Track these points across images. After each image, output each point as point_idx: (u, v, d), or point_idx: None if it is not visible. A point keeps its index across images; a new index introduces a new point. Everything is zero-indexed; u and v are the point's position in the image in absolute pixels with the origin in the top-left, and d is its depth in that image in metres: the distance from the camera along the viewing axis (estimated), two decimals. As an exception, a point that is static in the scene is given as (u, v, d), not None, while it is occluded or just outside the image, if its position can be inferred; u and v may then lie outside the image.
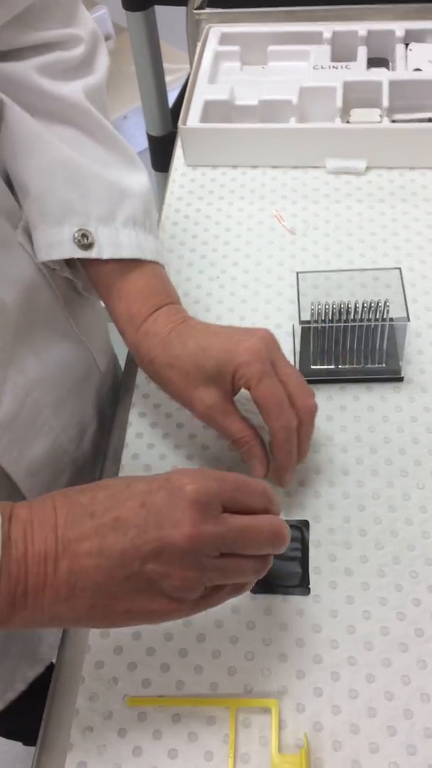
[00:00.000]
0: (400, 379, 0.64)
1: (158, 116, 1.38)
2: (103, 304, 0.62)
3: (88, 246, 0.56)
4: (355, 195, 0.81)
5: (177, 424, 0.63)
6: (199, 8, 1.01)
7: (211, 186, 0.84)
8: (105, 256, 0.56)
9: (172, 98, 1.48)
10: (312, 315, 0.62)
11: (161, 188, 1.08)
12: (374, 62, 0.91)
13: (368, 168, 0.83)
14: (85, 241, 0.55)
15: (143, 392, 0.66)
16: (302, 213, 0.80)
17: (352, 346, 0.64)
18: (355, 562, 0.54)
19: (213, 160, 0.86)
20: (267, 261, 0.75)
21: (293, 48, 0.92)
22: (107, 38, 2.52)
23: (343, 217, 0.79)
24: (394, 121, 0.85)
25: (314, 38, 0.93)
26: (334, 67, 0.89)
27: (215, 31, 0.96)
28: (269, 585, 0.53)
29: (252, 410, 0.54)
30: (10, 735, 1.02)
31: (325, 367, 0.64)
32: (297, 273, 0.64)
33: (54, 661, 0.57)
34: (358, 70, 0.88)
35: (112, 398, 0.72)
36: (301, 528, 0.56)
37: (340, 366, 0.64)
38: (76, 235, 0.55)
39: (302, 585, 0.53)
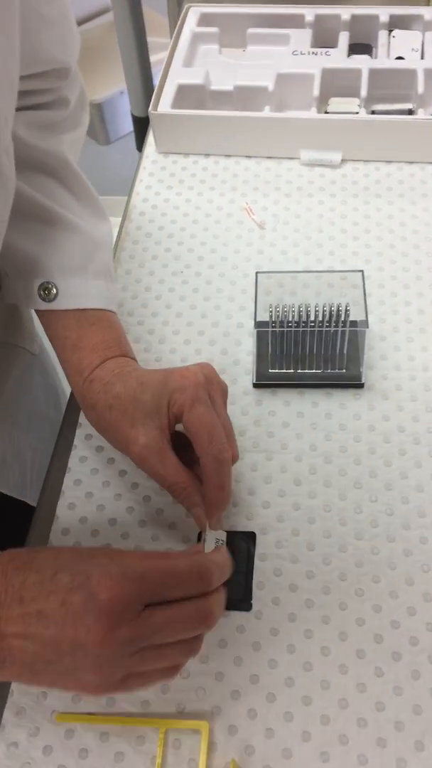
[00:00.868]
0: (361, 386, 0.62)
1: (142, 96, 1.34)
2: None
3: (52, 298, 0.56)
4: (328, 189, 0.78)
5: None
6: (179, -14, 0.97)
7: (182, 175, 0.81)
8: (71, 306, 0.56)
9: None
10: (270, 317, 0.60)
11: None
12: (357, 48, 0.88)
13: (344, 160, 0.80)
14: (47, 294, 0.56)
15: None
16: (273, 206, 0.77)
17: (311, 350, 0.62)
18: (301, 577, 0.53)
19: (185, 148, 0.83)
20: (233, 257, 0.73)
21: (273, 31, 0.89)
22: (104, 12, 2.46)
23: (315, 212, 0.76)
24: (373, 112, 0.82)
25: (296, 21, 0.89)
26: (314, 53, 0.85)
27: (195, 11, 0.92)
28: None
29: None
30: None
31: (283, 371, 0.62)
32: (256, 273, 0.61)
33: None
34: (338, 57, 0.84)
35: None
36: (247, 541, 0.54)
37: (299, 370, 0.62)
38: (39, 288, 0.57)
39: (245, 600, 0.52)
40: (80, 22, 2.31)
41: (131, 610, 0.39)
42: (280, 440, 0.59)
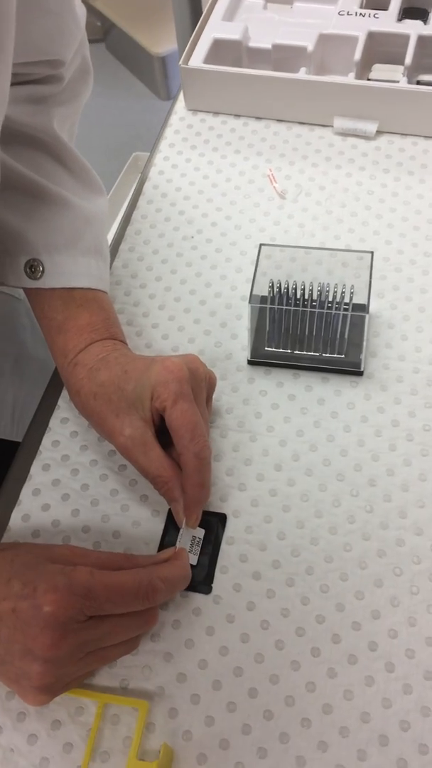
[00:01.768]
0: (360, 374, 0.59)
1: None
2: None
3: (38, 276, 0.55)
4: (358, 161, 0.74)
5: (98, 437, 0.57)
6: None
7: (208, 134, 0.78)
8: (57, 285, 0.55)
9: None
10: (270, 292, 0.57)
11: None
12: (411, 13, 0.82)
13: (379, 132, 0.76)
14: (33, 271, 0.55)
15: (62, 416, 0.59)
16: (298, 175, 0.73)
17: (311, 331, 0.59)
18: (266, 566, 0.51)
19: (214, 106, 0.80)
20: (247, 225, 0.70)
21: (323, -13, 0.83)
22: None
23: (340, 185, 0.72)
24: (418, 83, 0.77)
25: (349, -22, 0.84)
26: (361, 14, 0.80)
27: (244, -38, 0.87)
28: (169, 578, 0.50)
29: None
30: None
31: (279, 350, 0.59)
32: (260, 245, 0.58)
33: None
34: (387, 21, 0.79)
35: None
36: (217, 522, 0.52)
37: (296, 351, 0.59)
38: (25, 265, 0.55)
39: (205, 583, 0.50)
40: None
41: (75, 621, 0.41)
42: (267, 422, 0.57)
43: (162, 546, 0.52)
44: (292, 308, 0.56)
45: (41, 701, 0.42)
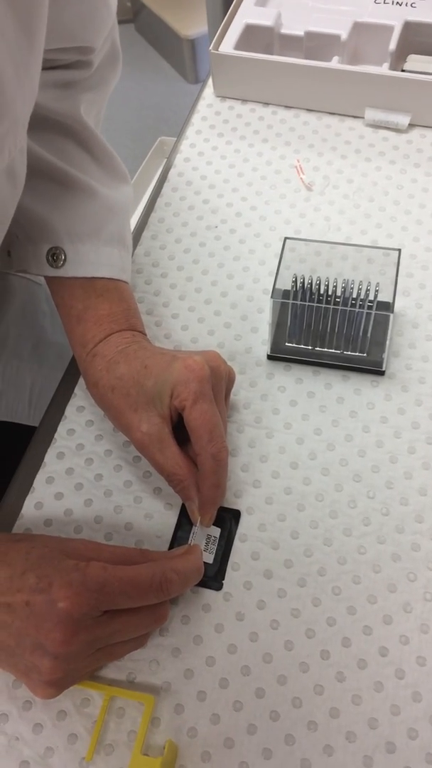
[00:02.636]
0: (381, 373, 0.58)
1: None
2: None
3: (60, 264, 0.54)
4: (389, 155, 0.72)
5: (114, 427, 0.55)
6: None
7: (236, 122, 0.77)
8: (79, 274, 0.54)
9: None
10: (293, 287, 0.56)
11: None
12: (449, 2, 0.80)
13: (411, 125, 0.74)
14: (55, 260, 0.54)
15: (78, 404, 0.59)
16: (326, 167, 0.72)
17: (333, 328, 0.58)
18: (278, 565, 0.50)
19: (243, 93, 0.79)
20: (273, 217, 0.69)
21: (360, -26, 0.81)
22: None
23: (369, 179, 0.71)
24: (453, 75, 0.75)
25: (387, -35, 0.82)
26: (398, 3, 0.78)
27: None
28: (180, 573, 0.49)
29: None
30: None
31: (300, 346, 0.58)
32: (285, 238, 0.57)
33: None
34: (424, 10, 0.77)
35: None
36: (230, 519, 0.52)
37: (317, 348, 0.58)
38: (47, 253, 0.54)
39: (216, 579, 0.50)
40: None
41: (89, 617, 0.40)
42: (284, 419, 0.56)
43: (174, 539, 0.51)
44: (315, 305, 0.55)
45: (50, 695, 0.42)
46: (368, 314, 0.55)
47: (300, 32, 0.77)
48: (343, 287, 0.55)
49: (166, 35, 2.36)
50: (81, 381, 0.59)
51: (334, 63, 0.74)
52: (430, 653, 0.46)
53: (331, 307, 0.55)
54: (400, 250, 0.56)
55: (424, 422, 0.55)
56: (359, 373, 0.58)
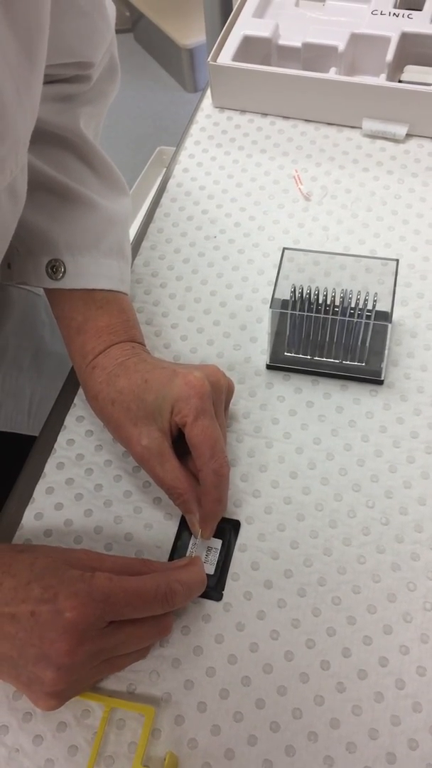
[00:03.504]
0: (380, 382, 0.58)
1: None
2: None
3: (59, 276, 0.54)
4: (387, 165, 0.73)
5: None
6: None
7: (234, 133, 0.77)
8: (79, 286, 0.54)
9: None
10: (292, 297, 0.56)
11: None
12: (445, 13, 0.80)
13: (409, 135, 0.75)
14: (54, 272, 0.54)
15: (78, 414, 0.59)
16: (324, 177, 0.72)
17: (332, 337, 0.58)
18: (278, 575, 0.50)
19: (242, 104, 0.79)
20: (271, 227, 0.69)
21: (356, -14, 0.82)
22: None
23: (367, 189, 0.71)
24: (450, 85, 0.76)
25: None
26: (395, 14, 0.78)
27: (277, -43, 0.86)
28: (179, 584, 0.50)
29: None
30: None
31: (299, 356, 0.59)
32: (283, 248, 0.57)
33: None
34: (421, 21, 0.77)
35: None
36: (230, 529, 0.52)
37: (316, 357, 0.59)
38: (47, 266, 0.54)
39: (216, 590, 0.50)
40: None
41: (94, 628, 0.41)
42: (283, 428, 0.56)
43: (174, 549, 0.52)
44: (314, 315, 0.55)
45: (51, 706, 0.42)
46: (367, 324, 0.55)
47: (298, 43, 0.78)
48: (341, 297, 0.56)
49: (164, 44, 2.37)
50: (81, 391, 0.59)
51: (332, 74, 0.75)
52: (430, 663, 0.46)
53: (330, 316, 0.55)
54: (398, 260, 0.56)
55: (423, 431, 0.56)
56: (358, 383, 0.58)
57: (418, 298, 0.63)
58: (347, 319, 0.55)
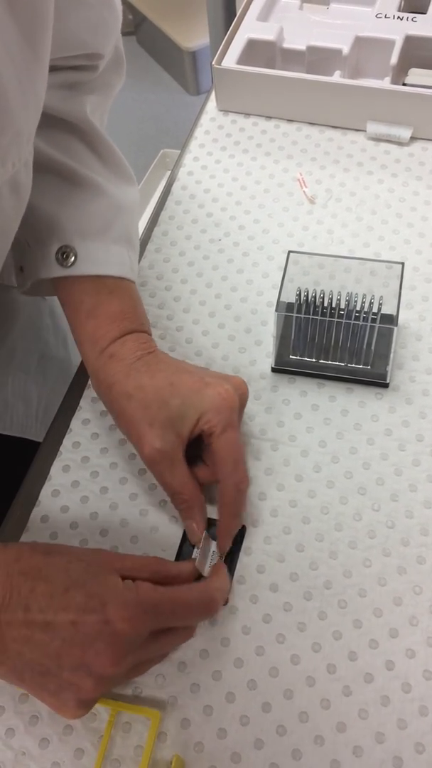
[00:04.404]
0: (385, 386, 0.58)
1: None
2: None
3: (69, 263, 0.53)
4: (391, 168, 0.73)
5: (119, 440, 0.57)
6: None
7: (239, 136, 0.77)
8: (90, 272, 0.53)
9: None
10: (297, 300, 0.56)
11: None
12: (449, 16, 0.80)
13: (413, 138, 0.75)
14: (65, 259, 0.53)
15: (84, 417, 0.59)
16: (328, 180, 0.72)
17: (337, 340, 0.58)
18: (284, 578, 0.50)
19: (246, 107, 0.79)
20: (275, 230, 0.69)
21: (360, -11, 0.82)
22: None
23: (372, 191, 0.71)
24: (455, 88, 0.76)
25: (387, -20, 0.82)
26: (399, 17, 0.78)
27: (281, -39, 0.86)
28: (185, 587, 0.50)
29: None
30: None
31: (304, 359, 0.59)
32: (288, 252, 0.57)
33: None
34: (425, 24, 0.77)
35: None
36: (236, 532, 0.52)
37: (321, 360, 0.59)
38: (57, 252, 0.53)
39: (221, 593, 0.50)
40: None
41: (141, 639, 0.40)
42: (289, 431, 0.56)
43: (179, 552, 0.52)
44: (319, 318, 0.55)
45: (80, 715, 0.41)
46: (372, 327, 0.55)
47: (302, 47, 0.78)
48: (346, 300, 0.56)
49: (167, 47, 2.38)
50: (86, 394, 0.60)
51: (336, 77, 0.75)
52: (436, 667, 0.46)
53: (335, 320, 0.55)
54: (403, 264, 0.56)
55: (429, 435, 0.56)
56: (363, 386, 0.58)
57: (423, 301, 0.63)
58: (352, 322, 0.55)
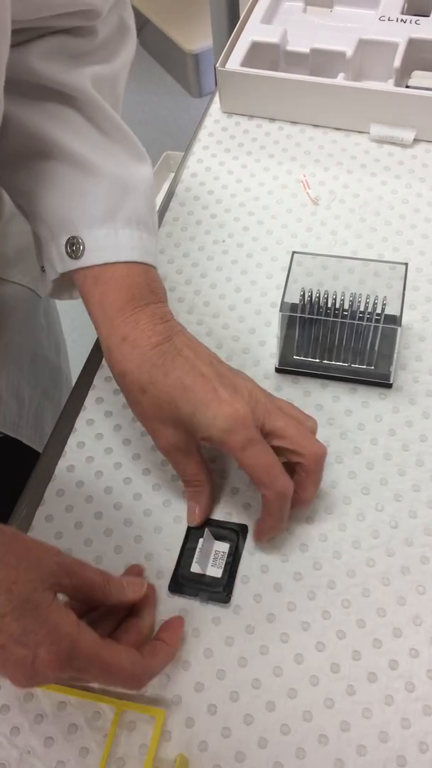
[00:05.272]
0: (389, 386, 0.58)
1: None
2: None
3: (78, 255, 0.50)
4: (394, 169, 0.73)
5: (124, 440, 0.57)
6: None
7: (242, 138, 0.78)
8: (99, 261, 0.50)
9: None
10: (301, 301, 0.56)
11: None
12: (452, 19, 0.81)
13: (416, 140, 0.75)
14: (74, 250, 0.50)
15: (98, 395, 0.60)
16: (332, 182, 0.73)
17: (341, 341, 0.58)
18: (288, 578, 0.50)
19: (250, 110, 0.79)
20: (279, 231, 0.69)
21: (364, -8, 0.83)
22: None
23: (375, 193, 0.71)
24: (458, 91, 0.76)
25: (391, -17, 0.83)
26: (402, 20, 0.79)
27: (284, -37, 0.87)
28: (189, 587, 0.50)
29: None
30: None
31: (308, 359, 0.59)
32: (293, 252, 0.58)
33: None
34: (428, 27, 0.78)
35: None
36: (238, 532, 0.52)
37: (325, 360, 0.59)
38: (66, 244, 0.51)
39: (224, 593, 0.50)
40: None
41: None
42: (292, 431, 0.57)
43: (183, 552, 0.52)
44: (323, 318, 0.56)
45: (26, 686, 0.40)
46: (375, 327, 0.56)
47: (306, 49, 0.78)
48: (350, 301, 0.56)
49: (169, 50, 2.38)
50: (90, 395, 0.60)
51: (340, 79, 0.75)
52: (440, 666, 0.46)
53: (339, 320, 0.55)
54: (406, 264, 0.56)
55: (432, 435, 0.56)
56: (367, 386, 0.59)
57: (426, 302, 0.63)
58: (356, 322, 0.55)
